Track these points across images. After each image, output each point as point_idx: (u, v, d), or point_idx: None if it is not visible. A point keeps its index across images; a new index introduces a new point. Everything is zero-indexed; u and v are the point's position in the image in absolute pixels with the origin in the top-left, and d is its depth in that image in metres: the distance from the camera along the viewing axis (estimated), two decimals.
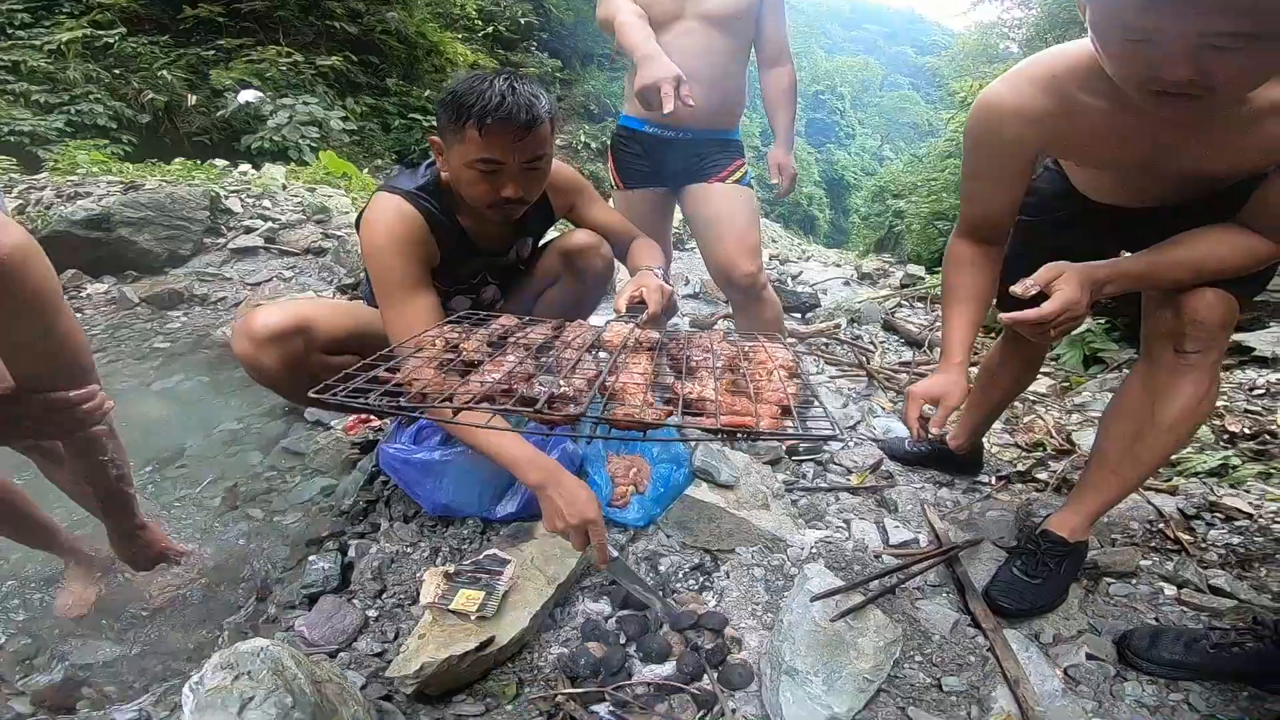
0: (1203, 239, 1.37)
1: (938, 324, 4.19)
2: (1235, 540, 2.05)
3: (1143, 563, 1.91)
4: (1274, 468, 2.49)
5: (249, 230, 4.63)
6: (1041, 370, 3.48)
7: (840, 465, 2.30)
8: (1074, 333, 3.55)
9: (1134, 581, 1.85)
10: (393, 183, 1.75)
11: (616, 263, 2.09)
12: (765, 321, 2.38)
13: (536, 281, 2.09)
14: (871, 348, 3.77)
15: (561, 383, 0.98)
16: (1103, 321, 3.60)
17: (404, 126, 9.41)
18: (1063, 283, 1.31)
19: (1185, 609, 1.75)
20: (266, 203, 5.09)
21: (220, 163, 6.07)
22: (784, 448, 2.29)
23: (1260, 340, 3.22)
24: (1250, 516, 2.16)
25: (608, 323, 1.44)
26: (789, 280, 5.56)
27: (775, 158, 2.46)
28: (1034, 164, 1.50)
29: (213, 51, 8.44)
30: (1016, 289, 1.34)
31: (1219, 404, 2.89)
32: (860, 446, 2.44)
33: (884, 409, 2.94)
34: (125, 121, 7.24)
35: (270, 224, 4.73)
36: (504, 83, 1.53)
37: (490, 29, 11.86)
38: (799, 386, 1.09)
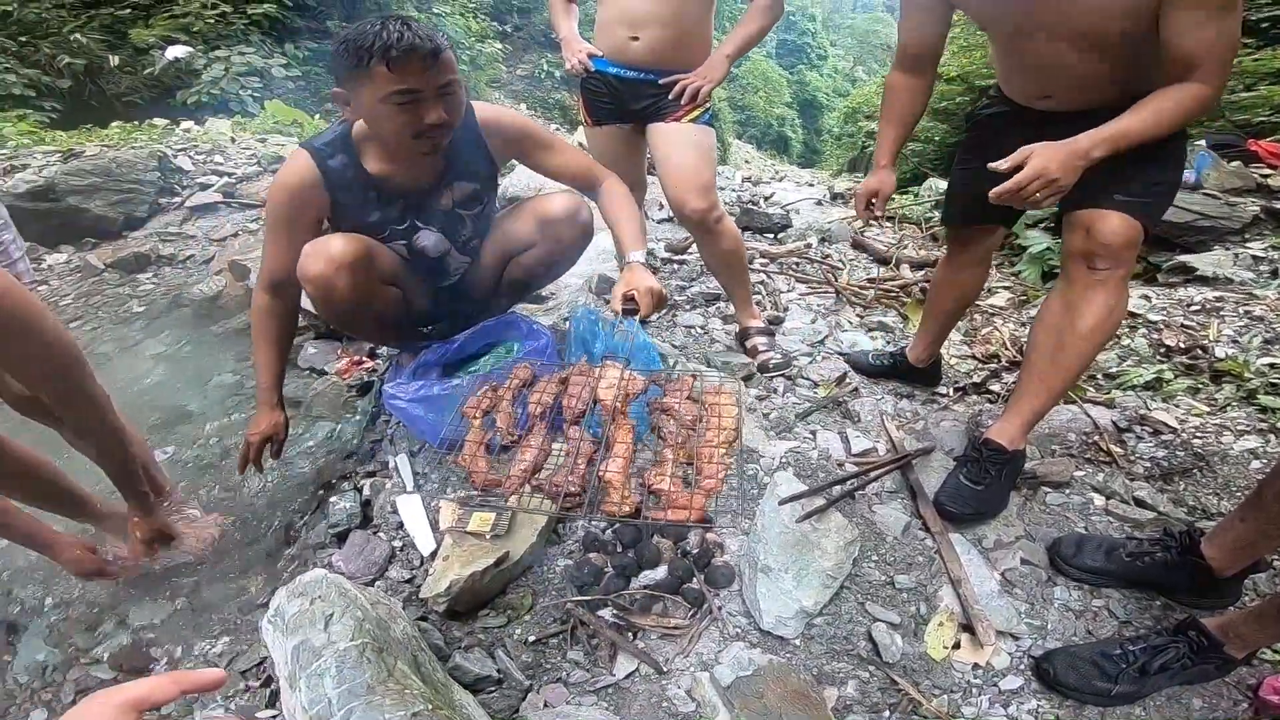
0: (1155, 98, 1.39)
1: (905, 242, 4.10)
2: (1160, 454, 2.05)
3: (1077, 473, 1.91)
4: (1201, 382, 2.48)
5: (205, 187, 4.21)
6: (1001, 284, 3.43)
7: (808, 379, 2.26)
8: (1035, 250, 3.45)
9: (1068, 491, 1.85)
10: (309, 139, 1.71)
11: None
12: (723, 253, 2.28)
13: (510, 243, 1.95)
14: (840, 265, 3.67)
15: (572, 479, 1.25)
16: (1060, 240, 3.52)
17: None
18: (1033, 157, 1.35)
19: (1112, 519, 1.76)
20: (218, 158, 4.61)
21: (161, 122, 5.38)
22: (755, 365, 2.25)
23: (1202, 261, 3.16)
24: (1175, 431, 2.16)
25: (604, 362, 1.49)
26: (761, 201, 5.36)
27: (711, 57, 2.22)
28: None
29: (128, 10, 7.38)
30: (996, 164, 1.38)
31: (1158, 318, 2.85)
32: (827, 361, 2.40)
33: (850, 324, 2.88)
34: (44, 89, 6.42)
35: (226, 178, 4.30)
36: (396, 23, 1.46)
37: None
38: (731, 464, 1.34)
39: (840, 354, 2.49)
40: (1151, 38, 1.36)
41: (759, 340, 2.30)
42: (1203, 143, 3.88)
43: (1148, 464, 2.02)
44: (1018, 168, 1.35)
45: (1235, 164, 3.74)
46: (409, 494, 1.68)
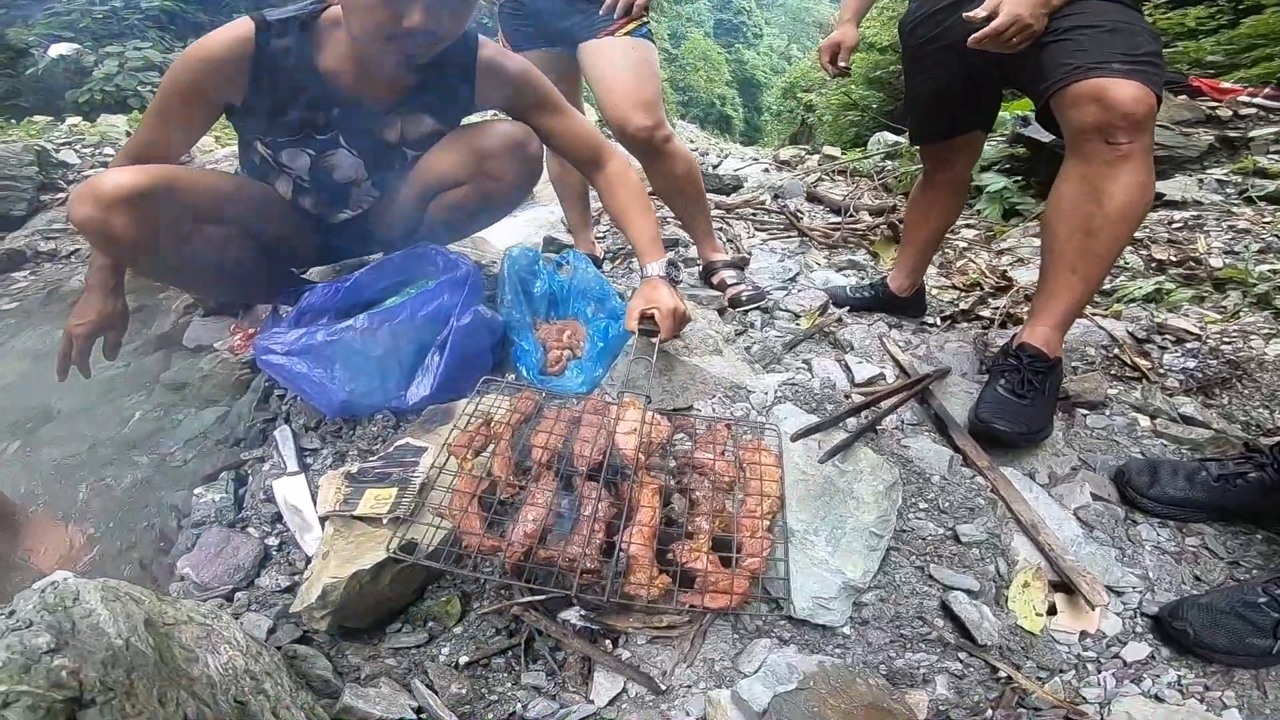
0: None
1: (860, 193, 3.74)
2: (1191, 364, 1.71)
3: (1110, 391, 1.55)
4: (1204, 291, 2.17)
5: (98, 166, 3.61)
6: (966, 223, 3.09)
7: (787, 311, 1.82)
8: (993, 189, 3.15)
9: (1108, 412, 1.48)
10: (266, 11, 1.26)
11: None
12: (677, 178, 1.83)
13: (436, 178, 1.44)
14: (799, 215, 3.28)
15: (589, 552, 0.91)
16: (1019, 179, 3.24)
17: None
18: (1004, 3, 1.26)
19: (1164, 441, 1.40)
20: (108, 149, 3.92)
21: (42, 118, 4.64)
22: (726, 298, 1.80)
23: (1169, 187, 2.94)
24: (1199, 338, 1.82)
25: (621, 397, 1.15)
26: (709, 168, 4.97)
27: None
28: None
29: (3, 9, 6.45)
30: (971, 13, 1.28)
31: (1142, 235, 2.55)
32: (803, 292, 1.97)
33: (819, 264, 2.47)
34: None
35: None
36: None
37: None
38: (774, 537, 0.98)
39: (817, 289, 2.08)
40: None
41: (727, 274, 1.85)
42: None
43: (1180, 376, 1.67)
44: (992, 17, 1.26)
45: (1182, 98, 3.59)
46: (290, 475, 1.17)
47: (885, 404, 1.31)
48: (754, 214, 3.18)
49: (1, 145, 3.54)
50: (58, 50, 5.97)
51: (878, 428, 1.25)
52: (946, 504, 1.10)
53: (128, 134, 4.48)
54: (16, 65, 6.05)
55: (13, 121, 4.52)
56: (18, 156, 3.48)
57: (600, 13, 1.72)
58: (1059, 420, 1.42)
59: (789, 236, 2.78)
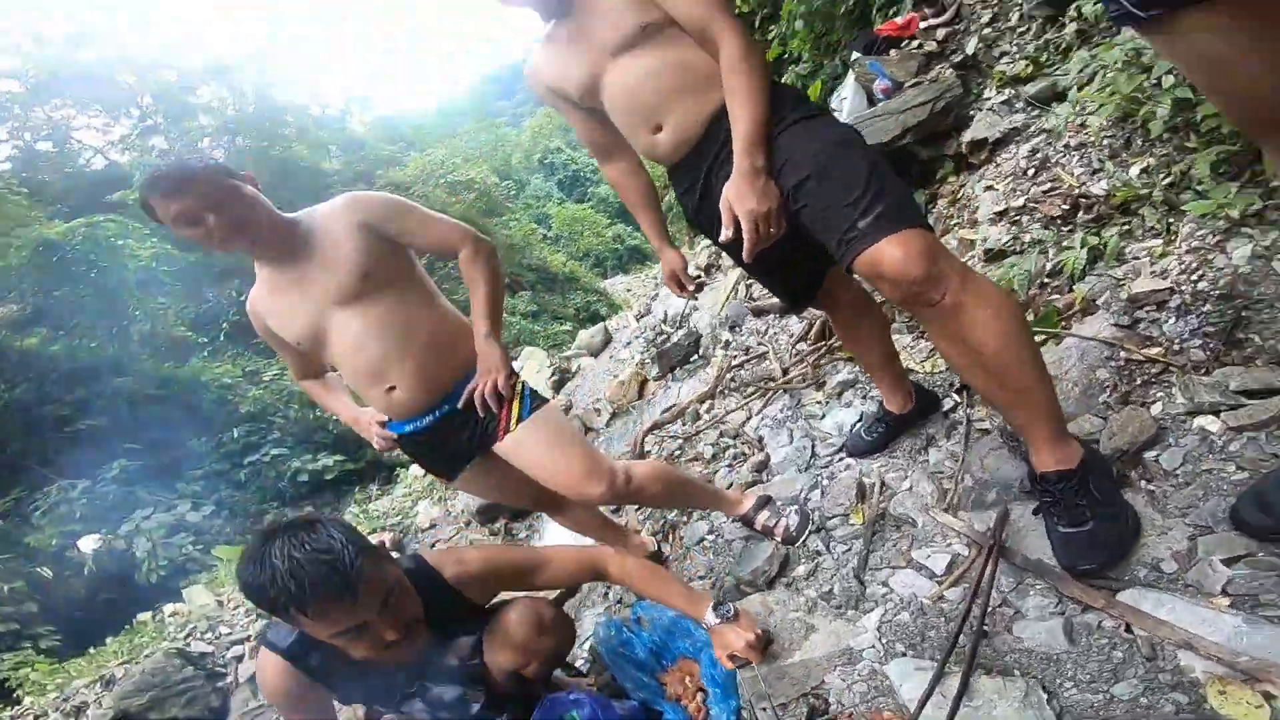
0: (730, 79, 1.31)
1: None
2: (1193, 323, 1.69)
3: (1152, 413, 1.53)
4: (1122, 224, 2.18)
5: (238, 659, 3.95)
6: None
7: (833, 517, 1.84)
8: None
9: (1171, 439, 1.44)
10: (270, 636, 1.39)
11: None
12: (658, 495, 1.77)
13: (506, 674, 1.56)
14: (763, 346, 3.40)
15: None
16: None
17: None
18: (733, 209, 1.28)
19: (1246, 435, 1.35)
20: (224, 629, 4.29)
21: (144, 616, 5.03)
22: (780, 541, 1.84)
23: (979, 130, 2.95)
24: (1173, 289, 1.83)
25: None
26: (665, 329, 5.09)
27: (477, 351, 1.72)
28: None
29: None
30: (721, 240, 1.34)
31: (1022, 200, 2.54)
32: (834, 485, 1.97)
33: (820, 405, 2.54)
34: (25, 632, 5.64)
35: (245, 643, 4.04)
36: (284, 559, 1.13)
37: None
38: None
39: (838, 454, 2.13)
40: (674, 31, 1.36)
41: (763, 516, 1.89)
42: (855, 56, 3.85)
43: (1198, 343, 1.64)
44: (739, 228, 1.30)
45: (894, 52, 3.66)
46: None
47: (975, 608, 1.30)
48: (733, 380, 3.29)
49: (149, 659, 3.89)
50: (88, 545, 6.18)
51: (984, 630, 1.26)
52: (1086, 675, 1.10)
53: (220, 604, 4.82)
54: (66, 563, 6.19)
55: (127, 630, 4.83)
56: (171, 664, 3.78)
57: (481, 415, 1.67)
58: (1138, 492, 1.39)
59: (775, 394, 2.86)
